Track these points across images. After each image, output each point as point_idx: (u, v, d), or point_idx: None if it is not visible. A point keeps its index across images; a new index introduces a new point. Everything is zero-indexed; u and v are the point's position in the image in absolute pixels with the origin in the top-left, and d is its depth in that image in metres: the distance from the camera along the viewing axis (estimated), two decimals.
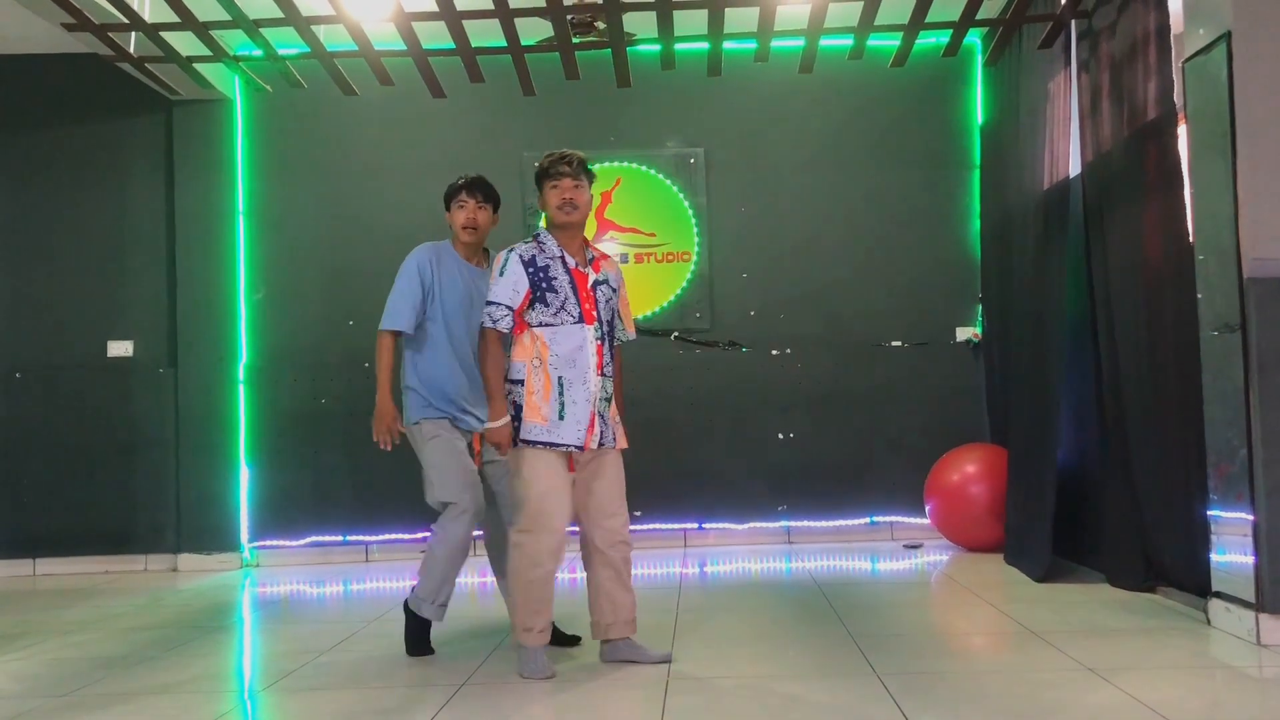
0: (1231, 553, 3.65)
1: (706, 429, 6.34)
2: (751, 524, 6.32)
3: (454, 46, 4.82)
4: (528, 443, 3.41)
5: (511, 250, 3.52)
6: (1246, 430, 3.54)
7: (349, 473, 6.24)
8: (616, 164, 6.40)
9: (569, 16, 4.68)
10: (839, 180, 6.41)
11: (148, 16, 4.76)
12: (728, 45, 5.06)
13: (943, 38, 5.26)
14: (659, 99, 6.32)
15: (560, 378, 3.43)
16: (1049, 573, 4.75)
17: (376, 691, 3.37)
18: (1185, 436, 4.00)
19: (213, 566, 6.17)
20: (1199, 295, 3.79)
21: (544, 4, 4.49)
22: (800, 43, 5.09)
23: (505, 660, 3.67)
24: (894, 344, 6.37)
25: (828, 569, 5.45)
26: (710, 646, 3.78)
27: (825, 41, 5.03)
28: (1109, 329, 4.50)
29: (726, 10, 4.64)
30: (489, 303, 3.46)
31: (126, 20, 4.62)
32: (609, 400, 3.54)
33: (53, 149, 6.39)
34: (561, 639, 3.78)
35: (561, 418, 3.41)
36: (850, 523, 6.30)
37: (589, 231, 6.21)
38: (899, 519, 6.27)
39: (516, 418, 3.43)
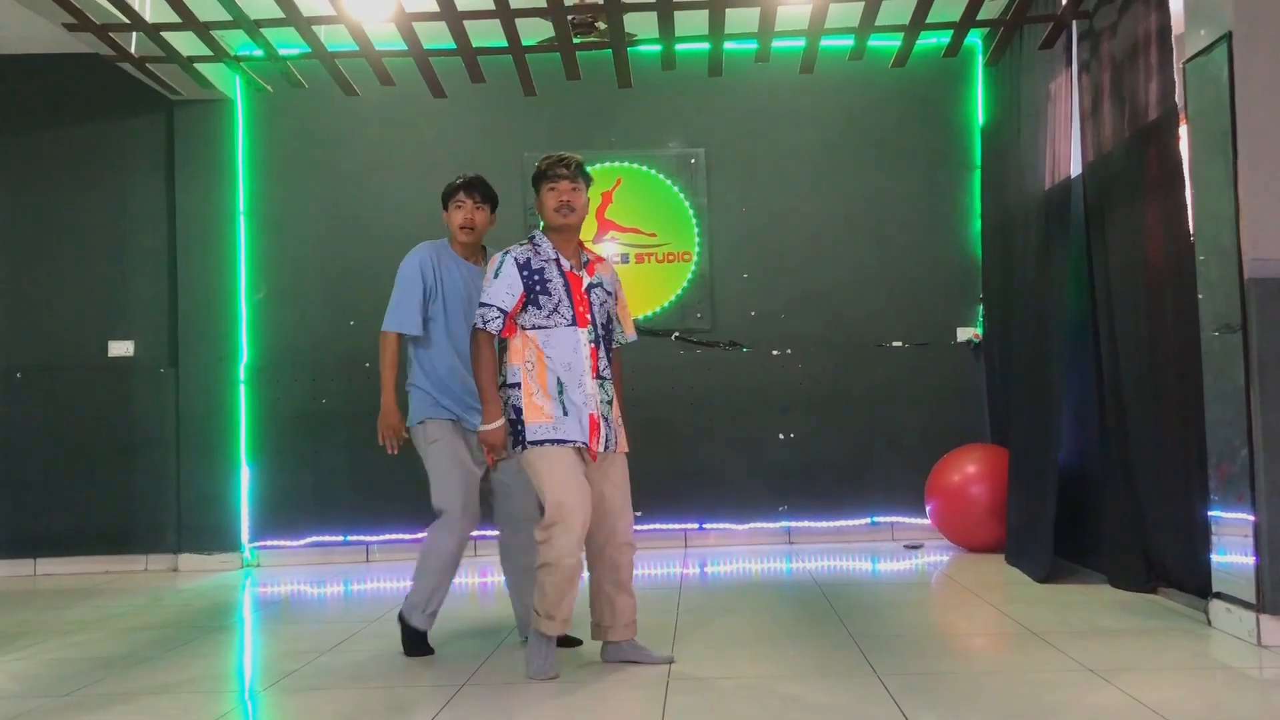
0: (1232, 553, 3.65)
1: (707, 429, 6.34)
2: (752, 524, 6.32)
3: (455, 47, 4.82)
4: (535, 443, 3.41)
5: (506, 253, 3.51)
6: (1247, 431, 3.54)
7: (350, 473, 6.24)
8: (617, 164, 6.40)
9: (570, 17, 4.68)
10: (840, 181, 6.41)
11: (148, 16, 4.76)
12: (728, 45, 5.06)
13: (943, 38, 5.26)
14: (660, 99, 6.32)
15: (558, 379, 3.43)
16: (1050, 573, 4.75)
17: (377, 691, 3.37)
18: (1186, 437, 3.99)
19: (213, 566, 6.17)
20: (1200, 296, 3.79)
21: (544, 4, 4.48)
22: (801, 43, 5.09)
23: (506, 660, 3.67)
24: (895, 344, 6.37)
25: (828, 569, 5.45)
26: (711, 647, 3.78)
27: (826, 42, 5.03)
28: (1110, 329, 4.50)
29: (727, 10, 4.64)
30: (482, 304, 3.46)
31: (127, 20, 4.62)
32: (610, 403, 3.54)
33: (53, 149, 6.39)
34: (563, 640, 3.77)
35: (565, 414, 3.41)
36: (851, 523, 6.30)
37: (589, 231, 6.27)
38: (900, 519, 6.27)
39: (519, 422, 3.43)
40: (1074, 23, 4.82)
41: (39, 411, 6.27)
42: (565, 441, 3.41)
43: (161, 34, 4.74)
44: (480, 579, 5.45)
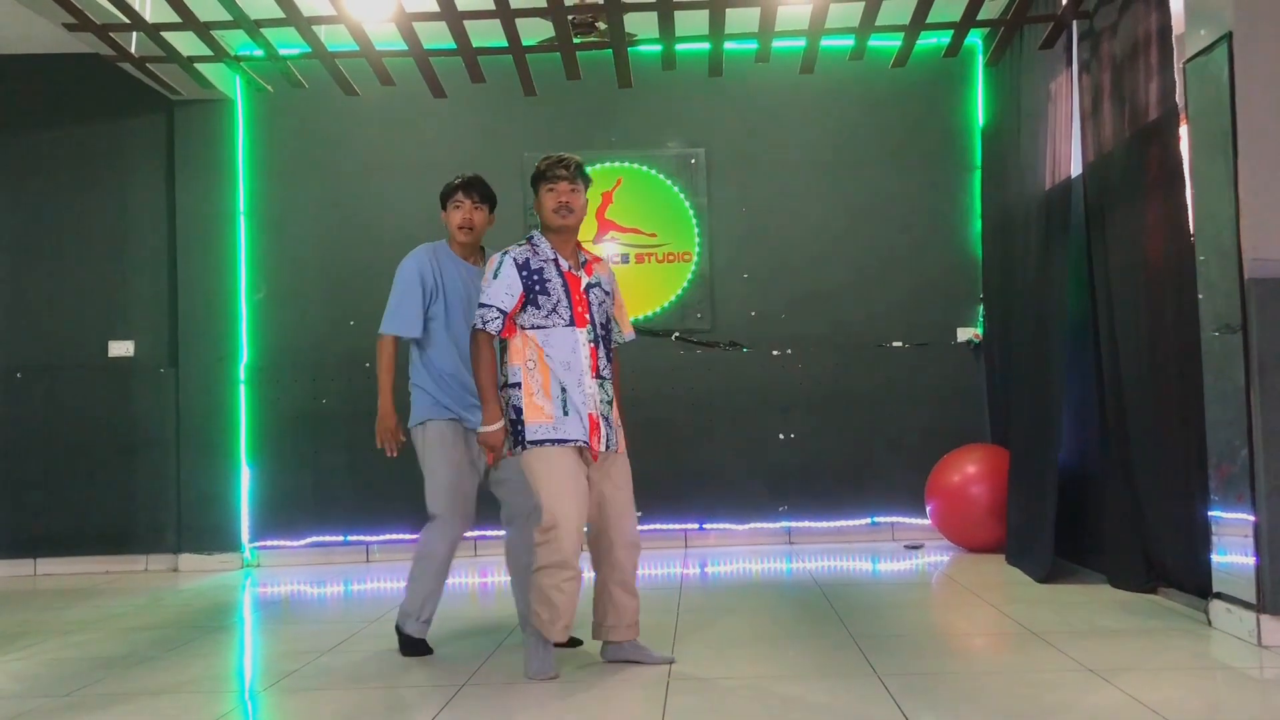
0: (1232, 554, 3.65)
1: (707, 429, 6.34)
2: (752, 524, 6.32)
3: (455, 47, 4.82)
4: (535, 443, 3.41)
5: (505, 253, 3.51)
6: (1247, 431, 3.54)
7: (349, 473, 6.24)
8: (617, 164, 6.39)
9: (570, 16, 4.68)
10: (840, 181, 6.41)
11: (149, 16, 4.76)
12: (729, 46, 5.06)
13: (944, 38, 5.26)
14: (660, 99, 6.32)
15: (559, 379, 3.43)
16: (1050, 573, 4.75)
17: (376, 691, 3.37)
18: (1186, 437, 3.99)
19: (213, 566, 6.17)
20: (1200, 295, 3.79)
21: (545, 4, 4.48)
22: (801, 43, 5.09)
23: (506, 660, 3.67)
24: (895, 344, 6.36)
25: (828, 569, 5.45)
26: (711, 647, 3.78)
27: (826, 42, 5.03)
28: (1110, 329, 4.50)
29: (727, 11, 4.64)
30: (481, 305, 3.45)
31: (128, 20, 4.62)
32: (610, 403, 3.54)
33: (53, 149, 6.39)
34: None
35: (565, 414, 3.41)
36: (851, 523, 6.30)
37: (590, 231, 6.27)
38: (900, 519, 6.27)
39: (519, 422, 3.43)
40: (1074, 23, 4.82)
41: (39, 411, 6.27)
42: (566, 441, 3.41)
43: (162, 34, 4.74)
44: (480, 579, 5.45)
